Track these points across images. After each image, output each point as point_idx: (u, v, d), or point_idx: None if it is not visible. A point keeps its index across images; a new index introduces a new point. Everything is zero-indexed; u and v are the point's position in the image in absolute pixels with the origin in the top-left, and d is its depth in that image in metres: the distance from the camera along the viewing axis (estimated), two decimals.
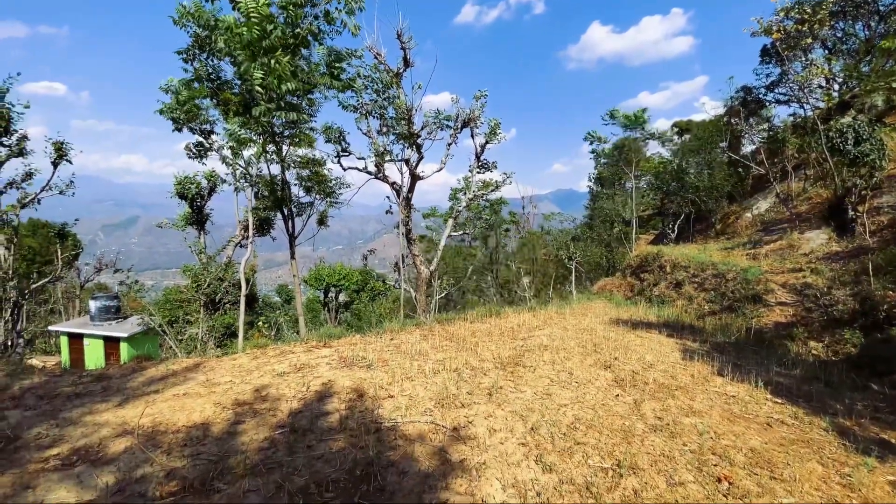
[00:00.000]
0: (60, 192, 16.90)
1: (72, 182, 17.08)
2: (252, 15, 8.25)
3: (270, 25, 8.59)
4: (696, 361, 6.20)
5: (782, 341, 8.74)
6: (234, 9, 8.73)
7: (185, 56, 10.32)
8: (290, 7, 8.88)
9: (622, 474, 3.03)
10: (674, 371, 5.69)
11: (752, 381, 5.31)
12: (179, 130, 12.17)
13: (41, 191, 16.51)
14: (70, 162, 16.55)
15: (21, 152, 15.22)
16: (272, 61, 8.64)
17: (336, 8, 9.30)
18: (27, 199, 16.33)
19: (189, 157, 13.43)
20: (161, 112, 11.51)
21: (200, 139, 13.04)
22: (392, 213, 15.37)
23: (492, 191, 16.26)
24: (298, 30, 9.23)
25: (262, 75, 8.65)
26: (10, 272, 16.02)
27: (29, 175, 15.98)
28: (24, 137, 15.11)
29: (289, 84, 9.00)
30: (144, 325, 16.83)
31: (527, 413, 3.98)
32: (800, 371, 6.19)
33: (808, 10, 16.90)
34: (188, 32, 9.80)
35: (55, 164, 16.32)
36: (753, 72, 24.68)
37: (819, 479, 3.09)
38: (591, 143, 40.76)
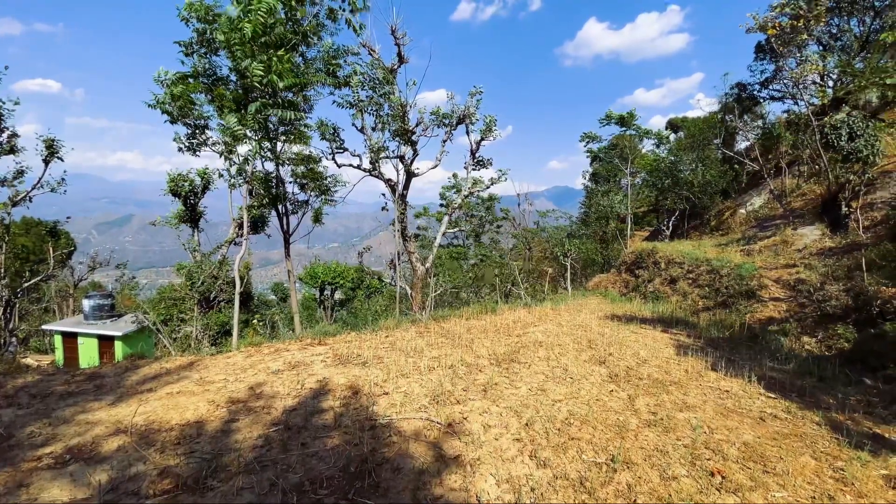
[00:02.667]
0: (52, 190, 16.78)
1: (63, 180, 16.95)
2: (254, 11, 8.17)
3: (272, 20, 8.50)
4: (690, 357, 6.24)
5: (776, 336, 8.80)
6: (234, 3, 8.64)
7: (185, 50, 10.18)
8: (293, 3, 8.82)
9: (616, 469, 3.05)
10: (668, 366, 5.72)
11: (745, 376, 5.35)
12: (174, 122, 12.03)
13: (32, 188, 16.36)
14: (62, 159, 16.41)
15: (12, 149, 15.07)
16: (273, 59, 8.55)
17: (340, 7, 9.26)
18: (19, 198, 16.18)
19: (179, 150, 13.27)
20: (152, 106, 11.35)
21: (194, 132, 12.89)
22: (387, 210, 15.33)
23: (486, 188, 16.25)
24: (299, 27, 9.16)
25: (261, 72, 8.56)
26: (3, 270, 15.88)
27: (20, 173, 15.82)
28: (14, 135, 14.93)
29: (287, 80, 8.93)
30: (139, 323, 16.75)
31: (521, 409, 3.99)
32: (793, 366, 6.24)
33: (804, 6, 16.92)
34: (192, 27, 9.70)
35: (46, 162, 16.16)
36: (748, 68, 24.73)
37: (812, 473, 3.11)
38: (587, 143, 41.03)
